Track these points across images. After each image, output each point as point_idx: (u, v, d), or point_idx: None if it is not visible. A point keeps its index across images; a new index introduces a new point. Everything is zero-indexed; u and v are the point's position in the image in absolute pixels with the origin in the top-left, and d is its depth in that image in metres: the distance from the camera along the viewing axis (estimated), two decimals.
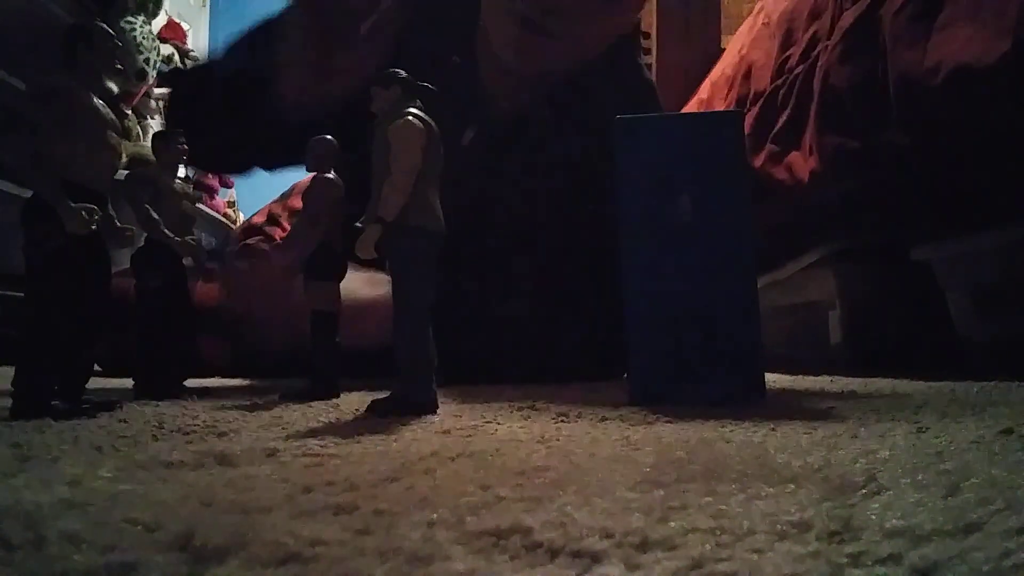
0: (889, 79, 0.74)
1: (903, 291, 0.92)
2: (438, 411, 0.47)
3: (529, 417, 0.45)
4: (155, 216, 0.57)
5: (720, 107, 1.26)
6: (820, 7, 0.94)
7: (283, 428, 0.40)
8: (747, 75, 1.16)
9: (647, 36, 2.19)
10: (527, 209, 0.84)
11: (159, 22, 2.45)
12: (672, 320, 0.52)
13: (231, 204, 2.57)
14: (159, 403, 0.54)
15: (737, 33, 1.42)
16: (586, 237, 0.85)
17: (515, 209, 0.84)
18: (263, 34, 0.89)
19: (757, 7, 1.31)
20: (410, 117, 0.47)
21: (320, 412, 0.47)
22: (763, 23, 1.17)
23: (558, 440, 0.35)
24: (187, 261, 0.61)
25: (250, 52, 0.89)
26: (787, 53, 1.02)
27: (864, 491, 0.23)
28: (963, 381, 0.61)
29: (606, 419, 0.44)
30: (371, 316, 0.55)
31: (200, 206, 1.97)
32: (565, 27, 0.75)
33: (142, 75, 2.17)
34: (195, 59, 2.62)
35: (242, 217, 2.35)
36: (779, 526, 0.19)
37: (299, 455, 0.31)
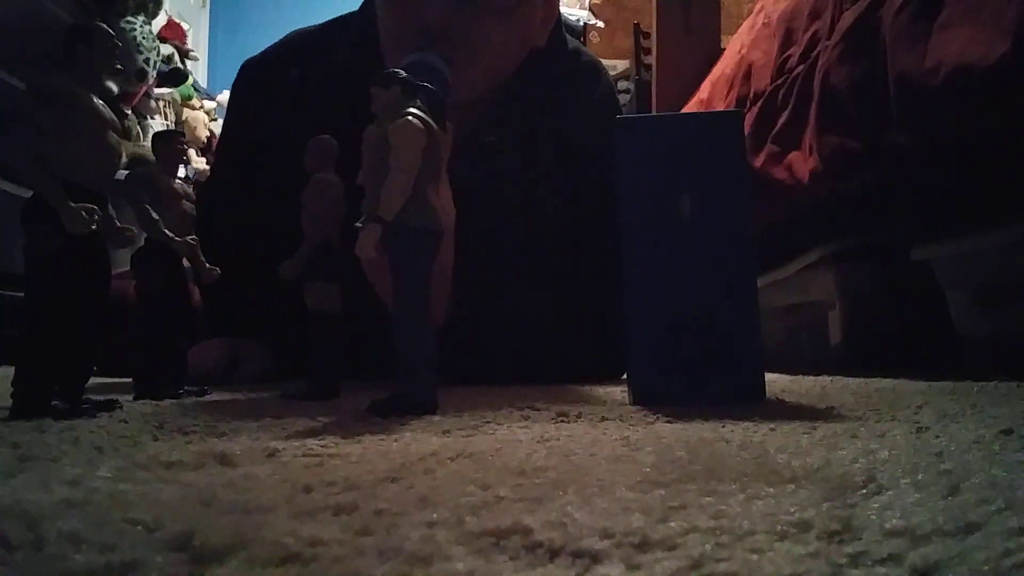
0: (889, 79, 0.74)
1: (903, 291, 0.92)
2: (438, 411, 0.47)
3: (529, 417, 0.45)
4: (155, 216, 0.57)
5: (720, 107, 1.26)
6: (820, 7, 0.94)
7: (283, 428, 0.40)
8: (747, 75, 1.16)
9: (647, 36, 2.19)
10: (532, 209, 0.84)
11: (159, 22, 2.46)
12: (672, 320, 0.52)
13: None
14: (159, 403, 0.54)
15: (737, 33, 1.42)
16: (585, 237, 0.85)
17: (519, 208, 0.84)
18: None
19: (757, 7, 1.31)
20: (410, 117, 0.47)
21: (320, 412, 0.47)
22: (763, 23, 1.17)
23: (558, 440, 0.35)
24: (186, 262, 0.61)
25: None
26: (787, 53, 1.02)
27: (864, 491, 0.23)
28: (963, 381, 0.61)
29: (606, 419, 0.44)
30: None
31: None
32: (463, 47, 0.74)
33: (142, 75, 2.17)
34: (195, 59, 2.63)
35: None
36: (779, 526, 0.19)
37: (299, 455, 0.31)
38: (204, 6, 4.08)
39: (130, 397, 0.56)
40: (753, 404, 0.49)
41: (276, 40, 0.98)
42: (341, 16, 0.96)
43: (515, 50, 0.83)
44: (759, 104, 1.07)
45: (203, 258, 0.61)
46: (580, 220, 0.85)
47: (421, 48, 0.70)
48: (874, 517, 0.20)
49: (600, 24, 2.67)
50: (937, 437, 0.34)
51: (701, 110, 1.40)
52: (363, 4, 0.92)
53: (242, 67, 0.97)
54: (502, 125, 0.85)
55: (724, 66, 1.35)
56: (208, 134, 2.97)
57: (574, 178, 0.86)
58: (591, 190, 0.85)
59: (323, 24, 0.97)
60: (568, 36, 0.96)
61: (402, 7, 0.77)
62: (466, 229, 0.63)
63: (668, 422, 0.42)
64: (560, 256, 0.84)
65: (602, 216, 0.84)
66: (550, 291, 0.81)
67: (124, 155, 0.62)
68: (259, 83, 0.94)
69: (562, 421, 0.43)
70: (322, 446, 0.33)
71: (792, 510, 0.21)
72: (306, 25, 0.98)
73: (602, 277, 0.80)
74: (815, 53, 0.92)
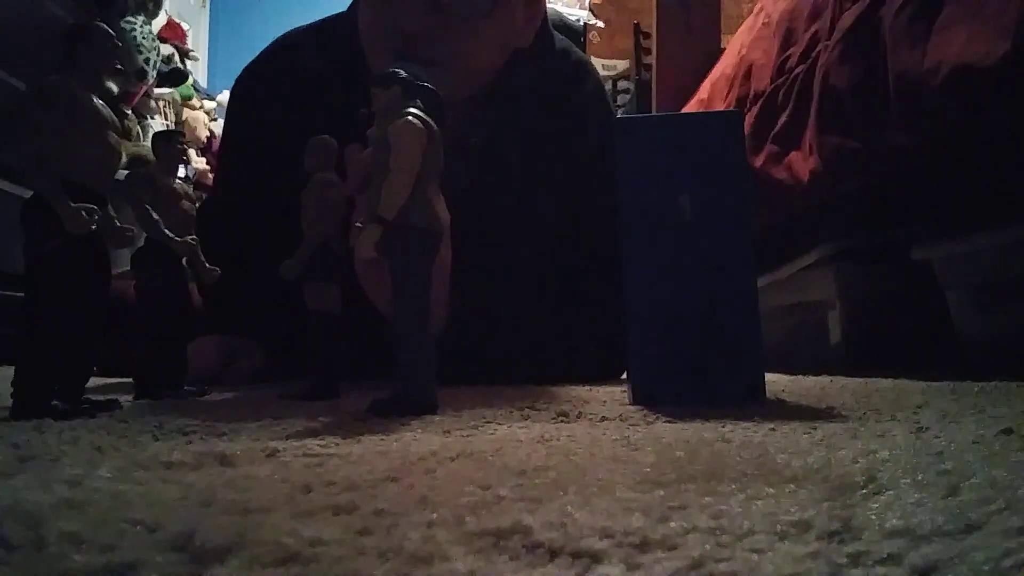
0: (889, 79, 0.74)
1: (903, 291, 0.92)
2: (438, 411, 0.47)
3: (529, 417, 0.45)
4: (155, 216, 0.57)
5: (720, 107, 1.26)
6: (820, 7, 0.94)
7: (283, 428, 0.40)
8: (747, 75, 1.16)
9: (647, 36, 2.19)
10: (524, 209, 0.84)
11: (159, 22, 2.46)
12: (672, 320, 0.52)
13: None
14: (159, 403, 0.54)
15: (737, 33, 1.42)
16: (579, 236, 0.85)
17: (511, 209, 0.84)
18: None
19: (757, 7, 1.31)
20: (410, 117, 0.47)
21: (320, 412, 0.47)
22: (763, 23, 1.17)
23: (558, 440, 0.35)
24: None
25: None
26: (787, 53, 1.02)
27: (864, 491, 0.23)
28: (963, 381, 0.61)
29: (606, 419, 0.44)
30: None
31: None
32: (439, 53, 0.74)
33: (142, 75, 2.17)
34: (195, 59, 2.63)
35: None
36: (779, 526, 0.19)
37: (299, 455, 0.31)
38: (204, 6, 4.08)
39: (130, 397, 0.56)
40: (753, 404, 0.49)
41: (272, 41, 0.98)
42: (331, 16, 0.96)
43: (494, 53, 0.83)
44: (759, 104, 1.07)
45: (203, 258, 0.61)
46: (574, 219, 0.85)
47: (400, 54, 0.70)
48: (874, 517, 0.20)
49: (600, 24, 2.67)
50: (937, 437, 0.34)
51: (701, 110, 1.40)
52: (351, 4, 0.92)
53: (238, 78, 0.98)
54: (486, 126, 0.85)
55: (724, 66, 1.35)
56: (208, 134, 2.97)
57: (564, 177, 0.86)
58: (583, 189, 0.85)
59: (313, 24, 0.97)
60: (558, 35, 0.96)
61: (381, 14, 0.77)
62: (454, 230, 0.63)
63: (668, 422, 0.42)
64: (555, 255, 0.84)
65: (596, 215, 0.84)
66: (547, 291, 0.81)
67: (124, 155, 0.61)
68: (254, 90, 0.95)
69: (562, 421, 0.43)
70: (322, 446, 0.33)
71: (792, 510, 0.21)
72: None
73: (600, 277, 0.80)
74: (815, 53, 0.92)
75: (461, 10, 0.76)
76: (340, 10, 0.96)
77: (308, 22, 0.99)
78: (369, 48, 0.81)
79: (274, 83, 0.92)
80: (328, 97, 0.82)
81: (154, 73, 2.24)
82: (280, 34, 0.98)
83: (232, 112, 1.01)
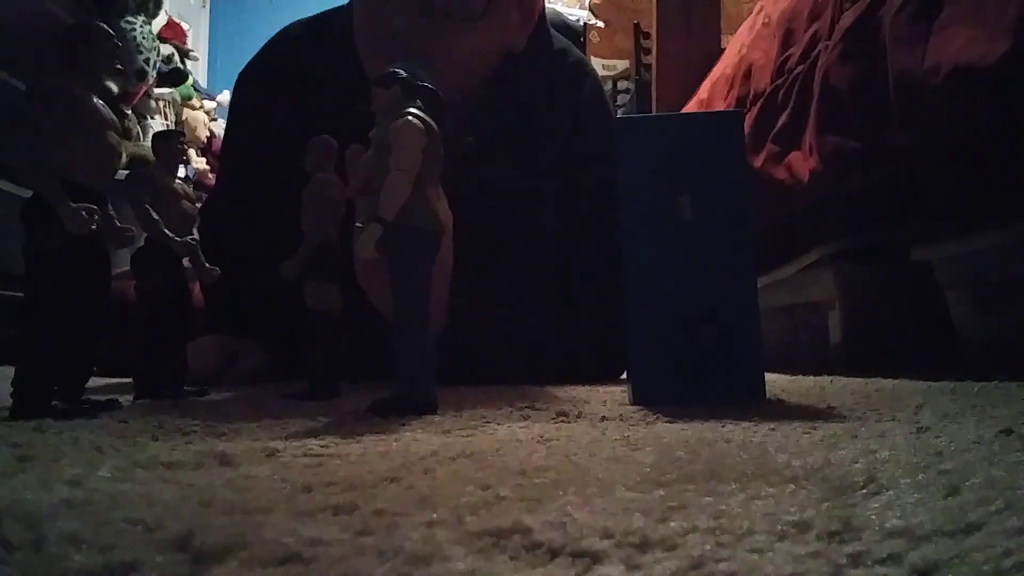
0: (889, 79, 0.74)
1: (903, 291, 0.92)
2: (438, 411, 0.47)
3: (529, 417, 0.45)
4: (155, 216, 0.57)
5: (720, 107, 1.26)
6: (820, 7, 0.94)
7: (283, 428, 0.40)
8: (747, 75, 1.16)
9: (647, 36, 2.19)
10: (523, 209, 0.85)
11: (159, 22, 2.46)
12: (672, 320, 0.52)
13: None
14: (159, 403, 0.54)
15: (737, 33, 1.42)
16: (578, 235, 0.85)
17: (509, 209, 0.84)
18: None
19: (757, 7, 1.31)
20: (410, 117, 0.47)
21: (320, 412, 0.47)
22: (763, 23, 1.17)
23: (558, 440, 0.35)
24: (185, 261, 0.61)
25: None
26: (787, 53, 1.02)
27: (864, 491, 0.23)
28: (963, 381, 0.61)
29: (606, 419, 0.44)
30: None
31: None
32: (431, 55, 0.73)
33: (142, 75, 2.17)
34: (195, 59, 2.63)
35: None
36: (779, 526, 0.19)
37: (299, 455, 0.31)
38: (204, 6, 4.08)
39: (130, 397, 0.56)
40: (753, 404, 0.49)
41: (274, 35, 0.98)
42: (331, 9, 0.96)
43: (486, 56, 0.83)
44: (759, 104, 1.07)
45: (203, 258, 0.61)
46: (572, 219, 0.85)
47: (393, 57, 0.70)
48: (874, 517, 0.20)
49: (600, 24, 2.67)
50: (937, 437, 0.34)
51: (701, 110, 1.40)
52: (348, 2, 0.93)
53: (238, 78, 0.98)
54: (483, 127, 0.85)
55: (724, 66, 1.35)
56: (208, 134, 2.97)
57: (563, 177, 0.86)
58: (582, 189, 0.85)
59: (313, 17, 0.97)
60: (557, 35, 0.96)
61: (373, 18, 0.77)
62: (453, 231, 0.63)
63: (668, 422, 0.42)
64: (554, 255, 0.84)
65: (595, 214, 0.84)
66: (547, 291, 0.82)
67: (124, 155, 0.61)
68: (256, 86, 0.95)
69: (562, 421, 0.43)
70: (322, 446, 0.33)
71: (792, 510, 0.21)
72: None
73: (600, 277, 0.80)
74: (815, 53, 0.92)
75: (454, 11, 0.76)
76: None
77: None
78: (362, 48, 0.81)
79: (275, 78, 0.92)
80: (329, 92, 0.82)
81: (154, 73, 2.24)
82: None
83: (234, 108, 1.01)
